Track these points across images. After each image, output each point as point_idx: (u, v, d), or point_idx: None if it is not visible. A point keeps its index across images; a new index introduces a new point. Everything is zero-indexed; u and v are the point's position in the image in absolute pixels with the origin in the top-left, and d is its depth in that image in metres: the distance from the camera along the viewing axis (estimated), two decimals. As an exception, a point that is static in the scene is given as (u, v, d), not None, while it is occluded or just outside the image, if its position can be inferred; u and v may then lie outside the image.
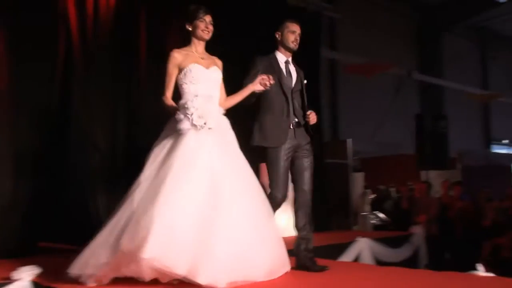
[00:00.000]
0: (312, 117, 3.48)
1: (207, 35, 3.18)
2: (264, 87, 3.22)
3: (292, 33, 3.52)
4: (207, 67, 3.16)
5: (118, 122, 5.08)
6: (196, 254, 2.55)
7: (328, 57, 9.18)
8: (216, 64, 3.26)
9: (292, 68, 3.58)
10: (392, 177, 9.79)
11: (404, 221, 7.25)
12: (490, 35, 13.04)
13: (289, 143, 3.38)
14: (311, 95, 3.75)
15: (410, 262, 5.92)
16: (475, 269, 4.02)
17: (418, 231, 6.55)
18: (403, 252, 6.02)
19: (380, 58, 10.07)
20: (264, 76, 3.21)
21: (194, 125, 2.84)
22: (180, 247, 2.54)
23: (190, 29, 3.19)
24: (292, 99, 3.47)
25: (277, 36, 3.56)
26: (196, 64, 3.10)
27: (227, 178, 2.85)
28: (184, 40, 5.33)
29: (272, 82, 3.21)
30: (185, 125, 2.84)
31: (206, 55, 3.25)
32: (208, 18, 3.17)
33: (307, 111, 3.48)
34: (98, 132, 4.92)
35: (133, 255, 2.51)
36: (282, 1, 6.72)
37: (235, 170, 2.95)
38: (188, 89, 3.07)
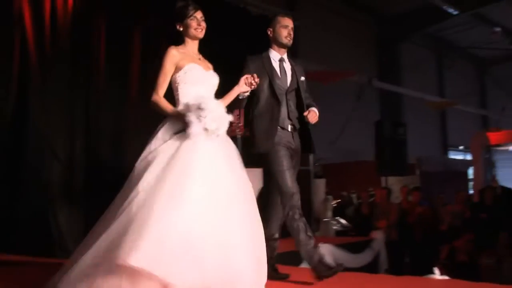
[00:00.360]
0: (311, 116, 3.22)
1: (201, 33, 2.92)
2: (250, 87, 2.99)
3: (285, 28, 3.30)
4: (206, 69, 2.92)
5: (76, 130, 4.96)
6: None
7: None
8: (210, 68, 3.01)
9: (287, 66, 3.37)
10: (353, 183, 9.94)
11: (365, 227, 7.36)
12: (446, 44, 13.47)
13: (285, 145, 3.17)
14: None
15: (371, 267, 6.00)
16: (432, 272, 4.12)
17: (378, 236, 6.66)
18: (364, 257, 6.11)
19: (341, 65, 10.24)
20: (248, 75, 2.99)
21: (205, 130, 2.55)
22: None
23: (181, 29, 2.93)
24: (287, 101, 3.26)
25: (268, 33, 3.35)
26: (195, 64, 2.86)
27: (230, 191, 2.58)
28: (147, 44, 5.26)
29: (257, 80, 2.97)
30: (196, 128, 2.53)
31: (201, 57, 3.00)
32: (199, 15, 2.91)
33: (305, 111, 3.25)
34: (56, 141, 4.79)
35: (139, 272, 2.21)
36: (244, 10, 6.74)
37: (238, 184, 2.66)
38: (187, 90, 2.80)
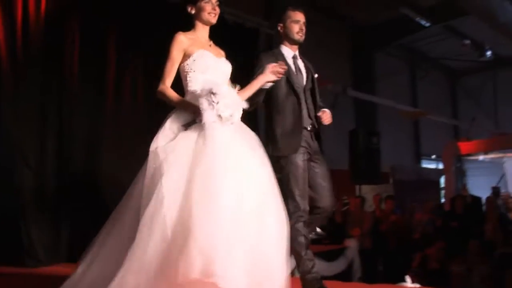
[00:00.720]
0: (326, 117, 3.07)
1: (214, 19, 2.74)
2: (277, 76, 2.78)
3: (296, 23, 3.12)
4: (217, 56, 2.73)
5: (48, 135, 4.86)
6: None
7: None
8: (222, 55, 2.82)
9: (301, 64, 3.19)
10: (328, 191, 9.97)
11: (338, 235, 7.41)
12: (419, 55, 13.73)
13: (305, 149, 2.98)
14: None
15: (345, 275, 6.04)
16: (404, 280, 4.17)
17: (352, 245, 6.71)
18: (338, 266, 6.13)
19: (316, 74, 10.33)
20: (274, 64, 2.77)
21: (219, 117, 2.33)
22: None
23: (193, 12, 2.73)
24: (306, 99, 3.09)
25: (279, 28, 3.16)
26: (205, 51, 2.66)
27: (262, 180, 2.41)
28: (122, 47, 5.17)
29: (285, 68, 2.78)
30: (209, 116, 2.32)
31: (212, 43, 2.80)
32: None
33: (319, 110, 3.09)
34: (28, 146, 4.68)
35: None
36: (221, 19, 6.74)
37: (266, 173, 2.48)
38: (196, 79, 2.60)
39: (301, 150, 2.96)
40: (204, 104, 2.33)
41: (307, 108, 3.08)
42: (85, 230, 4.35)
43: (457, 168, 12.89)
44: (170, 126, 2.49)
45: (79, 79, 5.05)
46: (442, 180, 12.40)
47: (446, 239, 6.79)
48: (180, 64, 2.64)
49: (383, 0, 10.10)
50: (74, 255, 4.23)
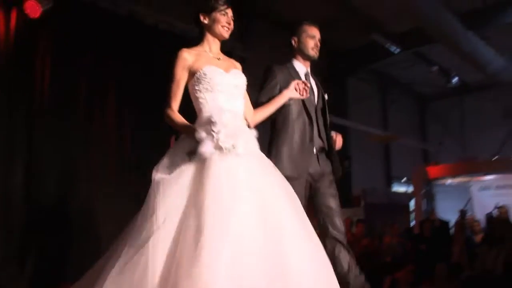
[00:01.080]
0: (338, 140, 3.00)
1: (227, 33, 2.53)
2: (301, 94, 2.65)
3: (312, 38, 2.99)
4: (227, 70, 2.48)
5: (16, 163, 4.70)
6: None
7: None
8: (236, 67, 2.58)
9: (312, 82, 3.04)
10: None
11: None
12: (390, 80, 14.04)
13: (311, 172, 2.82)
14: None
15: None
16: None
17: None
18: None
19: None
20: (299, 81, 2.66)
21: (219, 148, 2.12)
22: None
23: (206, 22, 2.51)
24: (317, 119, 2.95)
25: (293, 42, 3.02)
26: (212, 67, 2.42)
27: (281, 210, 2.14)
28: (95, 70, 5.08)
29: (308, 87, 2.65)
30: (207, 147, 2.12)
31: (223, 55, 2.59)
32: (230, 13, 2.53)
33: (330, 133, 2.98)
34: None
35: None
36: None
37: (287, 203, 2.21)
38: (205, 99, 2.37)
39: (304, 175, 2.79)
40: (202, 134, 2.14)
41: (318, 129, 2.93)
42: (53, 261, 4.24)
43: (426, 192, 13.12)
44: (173, 153, 2.29)
45: (51, 102, 4.97)
46: (412, 203, 12.58)
47: (415, 262, 6.87)
48: (187, 83, 2.45)
49: (355, 26, 10.35)
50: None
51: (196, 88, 2.40)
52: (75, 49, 5.26)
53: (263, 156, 2.38)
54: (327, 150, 2.96)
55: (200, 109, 2.38)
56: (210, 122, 2.13)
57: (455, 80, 11.74)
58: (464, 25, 8.79)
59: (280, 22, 9.32)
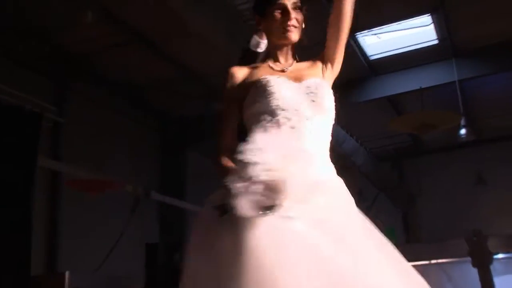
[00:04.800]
0: None
1: (291, 33, 1.71)
2: None
3: None
4: (298, 79, 1.69)
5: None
6: None
7: (50, 167, 7.42)
8: (315, 75, 1.74)
9: None
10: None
11: None
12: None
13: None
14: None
15: None
16: None
17: None
18: None
19: (118, 173, 9.44)
20: None
21: (256, 207, 1.30)
22: None
23: (260, 27, 1.78)
24: None
25: None
26: (267, 77, 1.67)
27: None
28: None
29: None
30: (242, 205, 1.30)
31: (294, 64, 1.78)
32: (290, 1, 1.71)
33: None
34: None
35: None
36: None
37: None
38: (249, 122, 1.68)
39: None
40: (231, 182, 1.33)
41: None
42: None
43: None
44: (206, 208, 1.62)
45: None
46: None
47: None
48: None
49: (195, 94, 8.85)
50: None
51: (245, 108, 1.74)
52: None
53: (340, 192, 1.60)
54: None
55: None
56: (242, 164, 1.35)
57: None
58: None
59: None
